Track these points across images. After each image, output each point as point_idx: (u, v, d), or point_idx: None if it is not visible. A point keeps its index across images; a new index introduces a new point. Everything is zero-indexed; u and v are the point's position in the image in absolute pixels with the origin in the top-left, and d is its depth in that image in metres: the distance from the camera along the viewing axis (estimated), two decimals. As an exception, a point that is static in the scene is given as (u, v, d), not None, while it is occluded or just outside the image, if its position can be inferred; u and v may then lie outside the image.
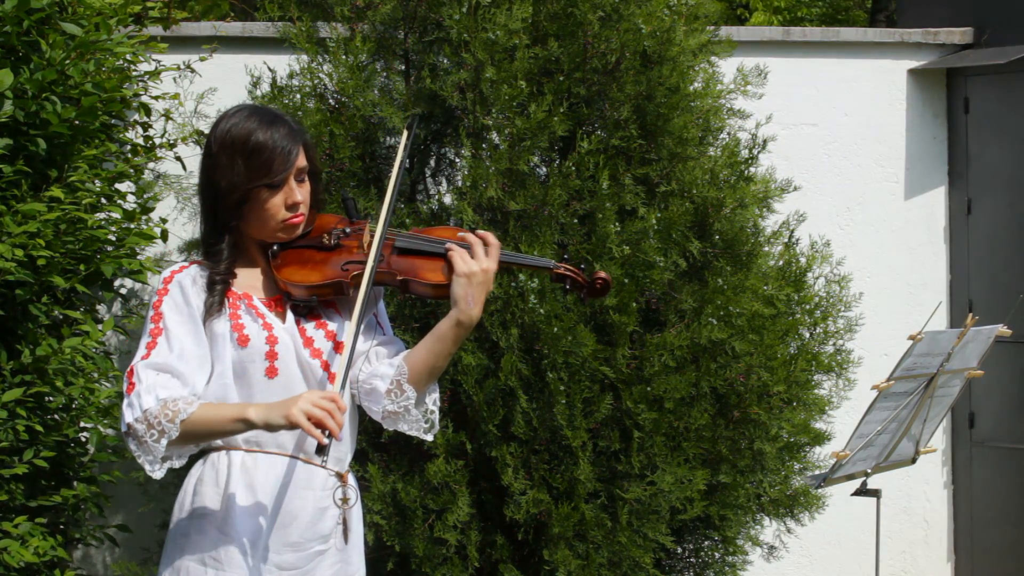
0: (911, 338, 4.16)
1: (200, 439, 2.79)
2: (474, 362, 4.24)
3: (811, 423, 4.72)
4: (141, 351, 2.80)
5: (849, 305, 4.87)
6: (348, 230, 2.95)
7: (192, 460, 2.90)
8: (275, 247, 2.92)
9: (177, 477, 2.96)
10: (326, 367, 2.87)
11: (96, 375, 4.36)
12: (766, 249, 4.73)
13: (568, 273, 2.98)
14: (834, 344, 4.84)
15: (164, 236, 4.80)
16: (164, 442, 2.72)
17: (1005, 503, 6.20)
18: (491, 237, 2.88)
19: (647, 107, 4.48)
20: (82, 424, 4.40)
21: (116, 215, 4.63)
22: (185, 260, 3.31)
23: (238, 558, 2.81)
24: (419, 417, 2.93)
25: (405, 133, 3.02)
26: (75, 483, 4.48)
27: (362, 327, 2.89)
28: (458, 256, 2.85)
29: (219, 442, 2.84)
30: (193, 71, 5.24)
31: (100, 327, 4.43)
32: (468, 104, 4.36)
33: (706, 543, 4.76)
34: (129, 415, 2.74)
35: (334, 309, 2.94)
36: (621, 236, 4.36)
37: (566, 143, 4.51)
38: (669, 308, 4.50)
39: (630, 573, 4.38)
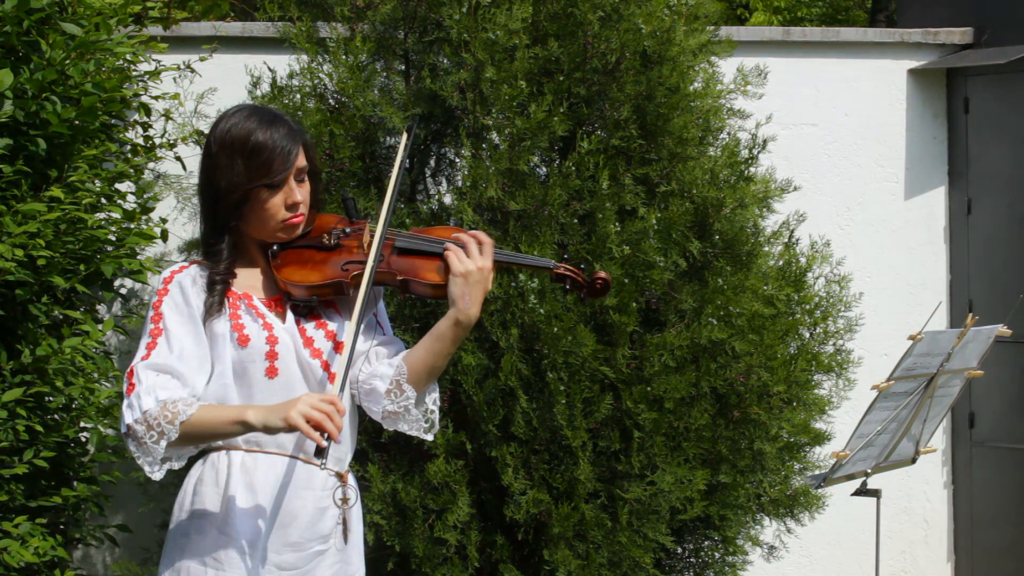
0: (911, 338, 4.16)
1: (199, 441, 2.79)
2: (474, 362, 4.24)
3: (811, 423, 4.72)
4: (141, 351, 2.80)
5: (849, 305, 4.87)
6: (348, 230, 2.95)
7: (192, 460, 2.90)
8: (275, 247, 2.92)
9: (177, 477, 2.96)
10: (326, 367, 2.87)
11: (96, 375, 4.36)
12: (766, 249, 4.73)
13: (568, 273, 2.98)
14: (834, 344, 4.84)
15: (164, 236, 4.80)
16: (163, 443, 2.72)
17: (1005, 503, 6.20)
18: (483, 235, 2.89)
19: (647, 107, 4.48)
20: (82, 424, 4.40)
21: (116, 215, 4.63)
22: (185, 260, 3.31)
23: (238, 558, 2.81)
24: (419, 417, 2.93)
25: (405, 135, 3.02)
26: (75, 483, 4.48)
27: (362, 327, 2.89)
28: (454, 255, 2.86)
29: (219, 442, 2.84)
30: (193, 71, 5.24)
31: (100, 327, 4.43)
32: (468, 104, 4.36)
33: (706, 543, 4.76)
34: (129, 416, 2.74)
35: (334, 309, 2.94)
36: (621, 236, 4.36)
37: (566, 143, 4.51)
38: (669, 308, 4.50)
39: (630, 573, 4.38)
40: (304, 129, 2.97)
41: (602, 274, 2.97)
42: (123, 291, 5.24)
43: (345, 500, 2.91)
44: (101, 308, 5.20)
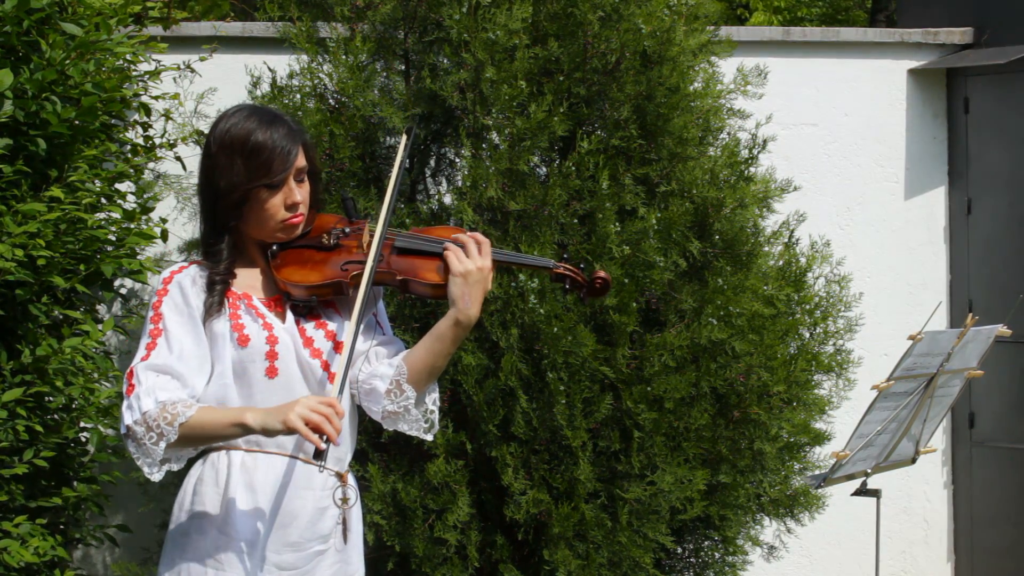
0: (911, 338, 4.16)
1: (198, 442, 2.79)
2: (474, 362, 4.24)
3: (811, 423, 4.72)
4: (141, 352, 2.80)
5: (849, 305, 4.87)
6: (347, 230, 2.95)
7: (192, 460, 2.90)
8: (274, 247, 2.91)
9: (177, 477, 2.96)
10: (326, 367, 2.87)
11: (96, 375, 4.36)
12: (766, 249, 4.73)
13: (568, 273, 2.98)
14: (834, 344, 4.84)
15: (164, 236, 4.80)
16: (163, 445, 2.72)
17: (1005, 503, 6.20)
18: (480, 236, 2.89)
19: (647, 107, 4.48)
20: (82, 424, 4.40)
21: (116, 215, 4.63)
22: (185, 260, 3.31)
23: (238, 558, 2.80)
24: (419, 417, 2.93)
25: (404, 137, 3.02)
26: (75, 483, 4.48)
27: (361, 327, 2.89)
28: (453, 255, 2.86)
29: (219, 442, 2.84)
30: (193, 71, 5.24)
31: (100, 327, 4.43)
32: (468, 104, 4.36)
33: (706, 543, 4.76)
34: (128, 417, 2.74)
35: (334, 309, 2.94)
36: (621, 236, 4.36)
37: (566, 143, 4.51)
38: (669, 308, 4.50)
39: (630, 573, 4.38)
40: (304, 129, 2.97)
41: (602, 274, 2.97)
42: (123, 291, 5.24)
43: (345, 500, 2.91)
44: (101, 308, 5.20)
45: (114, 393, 4.32)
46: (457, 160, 4.62)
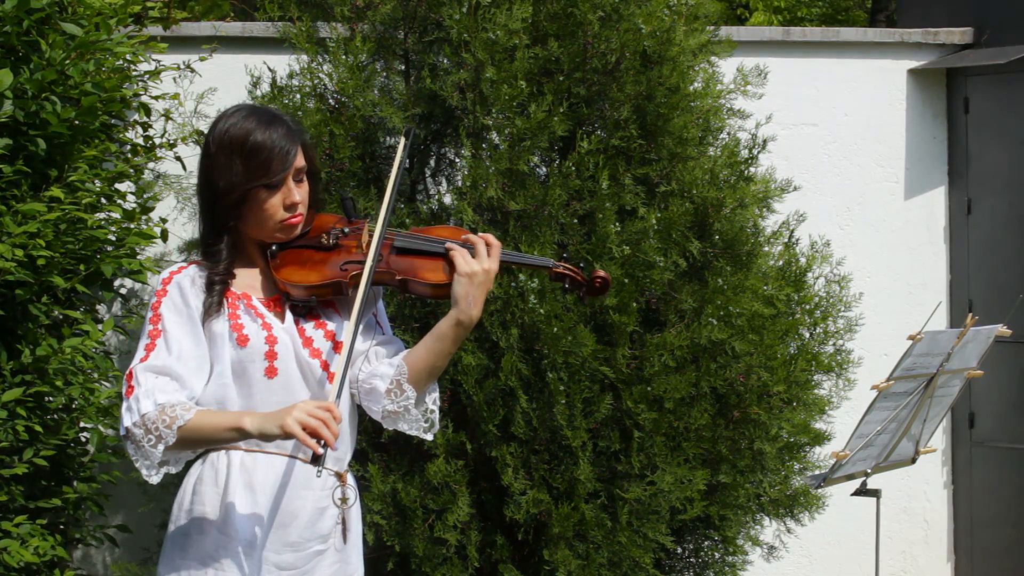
0: (911, 338, 4.16)
1: (197, 445, 2.79)
2: (474, 362, 4.24)
3: (811, 423, 4.72)
4: (140, 353, 2.80)
5: (849, 305, 4.87)
6: (347, 230, 2.95)
7: (191, 460, 2.90)
8: (274, 247, 2.91)
9: (177, 477, 2.96)
10: (325, 367, 2.87)
11: (96, 375, 4.36)
12: (766, 249, 4.73)
13: (567, 272, 2.98)
14: (834, 344, 4.84)
15: (164, 236, 4.80)
16: (161, 447, 2.71)
17: (1005, 503, 6.20)
18: (492, 238, 2.89)
19: (647, 107, 4.48)
20: (82, 424, 4.40)
21: (116, 215, 4.63)
22: (185, 260, 3.31)
23: (237, 558, 2.81)
24: (419, 417, 2.93)
25: (403, 140, 3.02)
26: (75, 483, 4.48)
27: (361, 327, 2.89)
28: (460, 256, 2.86)
29: (218, 442, 2.84)
30: (193, 71, 5.24)
31: (100, 327, 4.43)
32: (468, 104, 4.36)
33: (706, 543, 4.76)
34: (128, 419, 2.74)
35: (333, 309, 2.94)
36: (621, 236, 4.36)
37: (566, 143, 4.51)
38: (669, 308, 4.50)
39: (630, 573, 4.38)
40: (303, 129, 2.97)
41: (601, 273, 2.97)
42: (123, 291, 5.24)
43: (344, 500, 2.91)
44: (101, 308, 5.20)
45: (114, 393, 4.32)
46: (457, 160, 4.62)
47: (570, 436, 4.26)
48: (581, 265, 3.03)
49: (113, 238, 4.52)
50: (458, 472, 4.26)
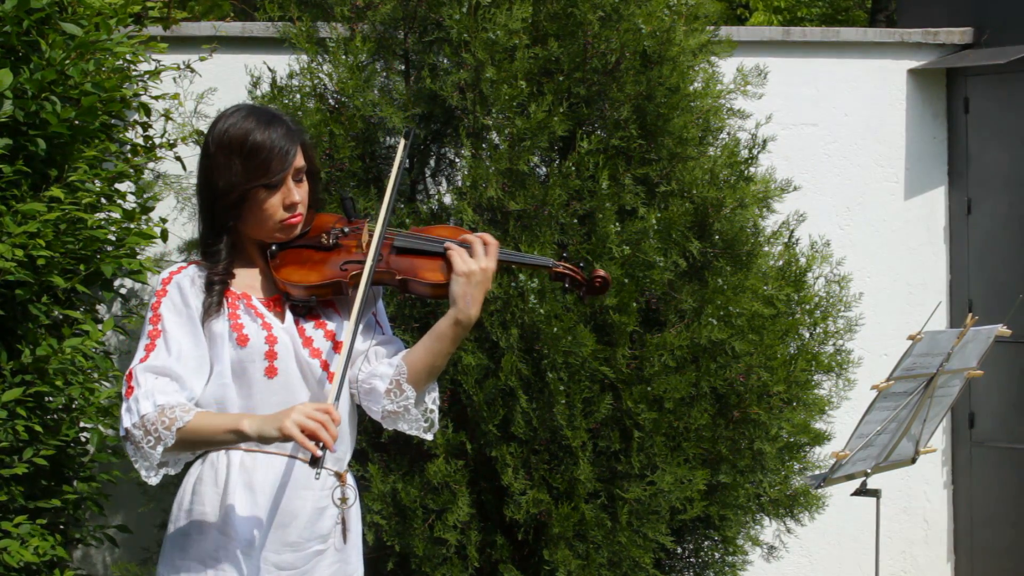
0: (911, 338, 4.16)
1: (196, 447, 2.78)
2: (474, 362, 4.24)
3: (811, 423, 4.72)
4: (140, 353, 2.80)
5: (849, 305, 4.87)
6: (347, 230, 2.95)
7: (191, 460, 2.90)
8: (273, 247, 2.91)
9: (177, 477, 2.96)
10: (325, 367, 2.87)
11: (96, 375, 4.36)
12: (766, 249, 4.73)
13: (567, 272, 2.98)
14: (834, 344, 4.84)
15: (164, 236, 4.80)
16: (160, 449, 2.71)
17: (1005, 503, 6.20)
18: (489, 237, 2.89)
19: (647, 107, 4.48)
20: (82, 424, 4.40)
21: (116, 215, 4.63)
22: (185, 260, 3.31)
23: (237, 558, 2.80)
24: (419, 416, 2.92)
25: (403, 141, 3.02)
26: (75, 482, 4.48)
27: (361, 326, 2.89)
28: (457, 255, 2.85)
29: (218, 441, 2.84)
30: (193, 71, 5.24)
31: (100, 327, 4.43)
32: (468, 104, 4.36)
33: (706, 543, 4.76)
34: (127, 420, 2.74)
35: (333, 309, 2.94)
36: (621, 236, 4.36)
37: (566, 143, 4.51)
38: (669, 308, 4.50)
39: (630, 573, 4.38)
40: (303, 129, 2.97)
41: (601, 273, 2.97)
42: (123, 291, 5.24)
43: (344, 500, 2.91)
44: (101, 308, 5.20)
45: (114, 393, 4.33)
46: (457, 160, 4.62)
47: (570, 436, 4.26)
48: (581, 265, 3.02)
49: (113, 238, 4.52)
50: (458, 472, 4.26)
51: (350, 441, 2.97)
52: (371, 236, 2.88)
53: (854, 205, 6.23)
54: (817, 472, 4.70)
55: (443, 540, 4.27)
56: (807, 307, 4.82)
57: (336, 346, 2.89)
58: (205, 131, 3.26)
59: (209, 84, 5.38)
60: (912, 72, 6.28)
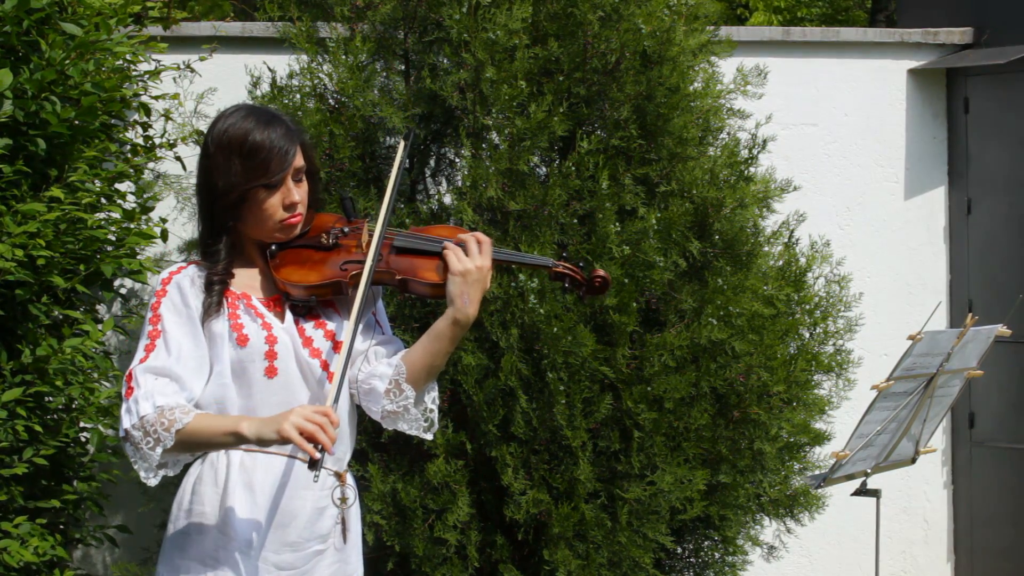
0: (911, 338, 4.16)
1: (195, 449, 2.78)
2: (474, 362, 4.24)
3: (811, 423, 4.72)
4: (139, 354, 2.80)
5: (849, 305, 4.87)
6: (346, 230, 2.95)
7: (190, 461, 2.90)
8: (273, 247, 2.91)
9: (177, 477, 2.96)
10: (325, 367, 2.87)
11: (96, 375, 4.36)
12: (766, 249, 4.73)
13: (567, 271, 2.98)
14: (834, 344, 4.84)
15: (164, 236, 4.80)
16: (159, 450, 2.71)
17: (1005, 503, 6.20)
18: (481, 235, 2.89)
19: (647, 107, 4.48)
20: (82, 424, 4.40)
21: (116, 215, 4.63)
22: (184, 260, 3.31)
23: (237, 558, 2.80)
24: (418, 416, 2.92)
25: (402, 143, 3.02)
26: (75, 482, 4.49)
27: (360, 326, 2.89)
28: (452, 254, 2.86)
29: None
30: (193, 71, 5.24)
31: (100, 327, 4.43)
32: (468, 104, 4.36)
33: (706, 543, 4.76)
34: (127, 421, 2.74)
35: (333, 309, 2.94)
36: (621, 236, 4.36)
37: (566, 143, 4.51)
38: (669, 308, 4.50)
39: (630, 573, 4.38)
40: (302, 129, 2.96)
41: (601, 272, 2.97)
42: (123, 291, 5.24)
43: (344, 500, 2.91)
44: (101, 308, 5.20)
45: (114, 393, 4.33)
46: (457, 160, 4.62)
47: (570, 436, 4.26)
48: (581, 265, 3.02)
49: (113, 238, 4.52)
50: (458, 472, 4.26)
51: (350, 441, 2.97)
52: (371, 236, 2.88)
53: (854, 205, 6.23)
54: (817, 472, 4.70)
55: (443, 540, 4.27)
56: (807, 307, 4.82)
57: (336, 346, 2.89)
58: (205, 131, 3.26)
59: (209, 84, 5.38)
60: (912, 72, 6.28)
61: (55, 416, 4.34)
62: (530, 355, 4.31)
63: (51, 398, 4.30)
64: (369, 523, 4.24)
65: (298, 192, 2.87)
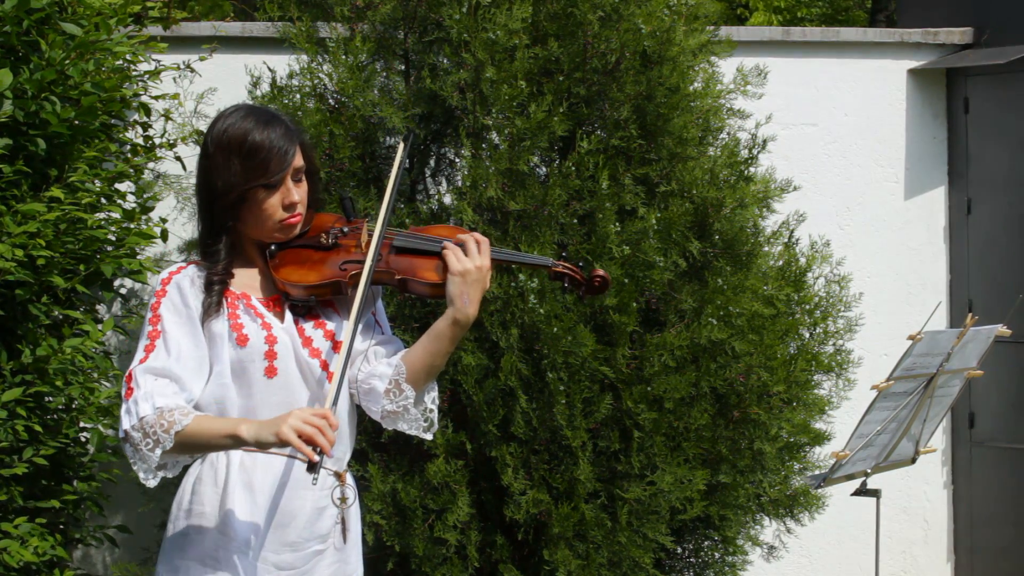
0: (911, 338, 4.16)
1: (194, 451, 2.78)
2: (474, 362, 4.24)
3: (811, 423, 4.72)
4: (139, 354, 2.79)
5: (849, 305, 4.87)
6: (346, 229, 2.95)
7: (189, 462, 2.90)
8: (273, 247, 2.91)
9: (177, 477, 2.96)
10: (325, 367, 2.87)
11: (96, 375, 4.37)
12: (766, 249, 4.73)
13: (566, 271, 2.98)
14: (834, 344, 4.84)
15: (164, 236, 4.80)
16: (158, 452, 2.71)
17: (1004, 503, 6.20)
18: (479, 235, 2.89)
19: (647, 107, 4.48)
20: (82, 424, 4.40)
21: (116, 215, 4.63)
22: (184, 260, 3.31)
23: (236, 558, 2.80)
24: (418, 416, 2.92)
25: (401, 144, 3.02)
26: (75, 483, 4.49)
27: (360, 326, 2.89)
28: (452, 255, 2.86)
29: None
30: (193, 71, 5.24)
31: (100, 327, 4.43)
32: (468, 104, 4.36)
33: (706, 543, 4.76)
34: (127, 422, 2.73)
35: (333, 309, 2.94)
36: (621, 236, 4.36)
37: (566, 143, 4.51)
38: (669, 308, 4.50)
39: (630, 573, 4.38)
40: (302, 129, 2.96)
41: (600, 272, 2.97)
42: (123, 291, 5.24)
43: (343, 499, 2.91)
44: (101, 308, 5.20)
45: (114, 393, 4.33)
46: (457, 160, 4.62)
47: (570, 436, 4.26)
48: (580, 264, 3.02)
49: (113, 238, 4.52)
50: (458, 472, 4.26)
51: (349, 441, 2.96)
52: (370, 236, 2.88)
53: (854, 205, 6.23)
54: (817, 472, 4.69)
55: (443, 540, 4.27)
56: (807, 307, 4.82)
57: (335, 346, 2.89)
58: (205, 131, 3.26)
59: (209, 84, 5.38)
60: (912, 72, 6.28)
61: (55, 416, 4.34)
62: (530, 355, 4.31)
63: (51, 398, 4.30)
64: (369, 523, 4.24)
65: (297, 192, 2.86)
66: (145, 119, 4.98)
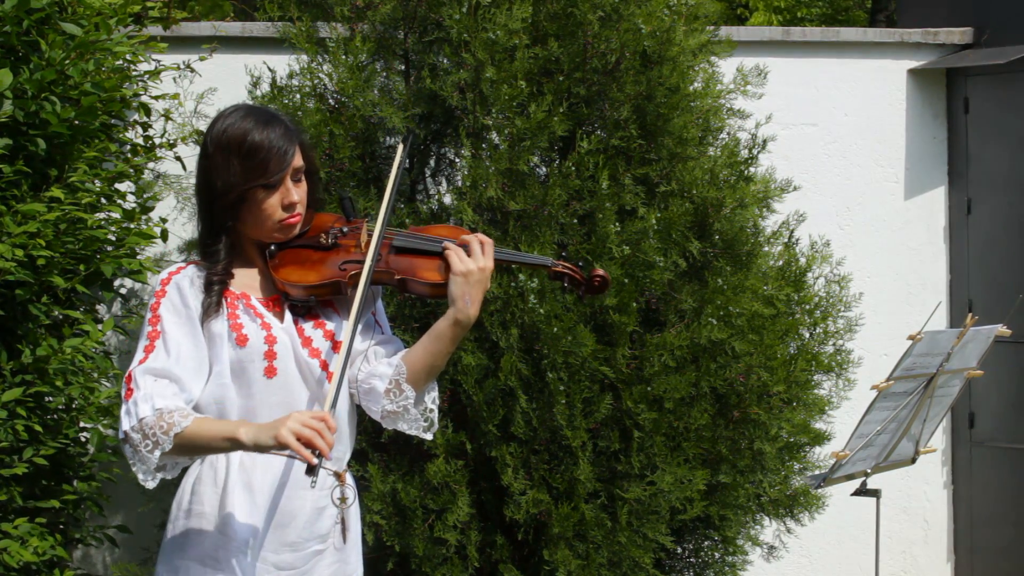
0: (911, 338, 4.16)
1: (193, 453, 2.78)
2: (474, 362, 4.24)
3: (811, 423, 4.72)
4: (139, 354, 2.79)
5: (849, 305, 4.87)
6: (346, 229, 2.95)
7: (188, 464, 2.90)
8: (272, 247, 2.91)
9: (176, 477, 2.96)
10: (324, 367, 2.86)
11: (96, 375, 4.36)
12: (766, 249, 4.73)
13: (566, 271, 2.98)
14: (834, 344, 4.84)
15: (164, 236, 4.80)
16: (158, 453, 2.71)
17: (1004, 503, 6.20)
18: (483, 236, 2.89)
19: (647, 107, 4.48)
20: (82, 424, 4.40)
21: (116, 215, 4.63)
22: (184, 260, 3.31)
23: (236, 558, 2.80)
24: (418, 416, 2.92)
25: (401, 146, 3.02)
26: (75, 482, 4.49)
27: (360, 326, 2.89)
28: (454, 255, 2.86)
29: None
30: (193, 71, 5.24)
31: (100, 327, 4.43)
32: (468, 104, 4.36)
33: (706, 543, 4.76)
34: (126, 423, 2.73)
35: (332, 309, 2.94)
36: (621, 236, 4.36)
37: (566, 143, 4.51)
38: (669, 308, 4.50)
39: (630, 573, 4.38)
40: (302, 129, 2.97)
41: (600, 272, 2.97)
42: (123, 291, 5.24)
43: (343, 499, 2.91)
44: (101, 308, 5.20)
45: (114, 393, 4.33)
46: (457, 160, 4.62)
47: (570, 436, 4.26)
48: (580, 264, 3.02)
49: (113, 238, 4.52)
50: (458, 472, 4.26)
51: (349, 441, 2.96)
52: (370, 236, 2.88)
53: (854, 205, 6.23)
54: (817, 472, 4.69)
55: (443, 540, 4.27)
56: (807, 307, 4.82)
57: (335, 346, 2.89)
58: (204, 131, 3.26)
59: (209, 84, 5.38)
60: (912, 72, 6.28)
61: (55, 416, 4.34)
62: (530, 355, 4.31)
63: (51, 398, 4.30)
64: (369, 523, 4.24)
65: (297, 192, 2.86)
66: (145, 119, 4.98)
